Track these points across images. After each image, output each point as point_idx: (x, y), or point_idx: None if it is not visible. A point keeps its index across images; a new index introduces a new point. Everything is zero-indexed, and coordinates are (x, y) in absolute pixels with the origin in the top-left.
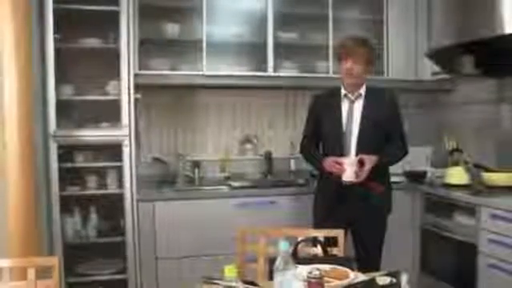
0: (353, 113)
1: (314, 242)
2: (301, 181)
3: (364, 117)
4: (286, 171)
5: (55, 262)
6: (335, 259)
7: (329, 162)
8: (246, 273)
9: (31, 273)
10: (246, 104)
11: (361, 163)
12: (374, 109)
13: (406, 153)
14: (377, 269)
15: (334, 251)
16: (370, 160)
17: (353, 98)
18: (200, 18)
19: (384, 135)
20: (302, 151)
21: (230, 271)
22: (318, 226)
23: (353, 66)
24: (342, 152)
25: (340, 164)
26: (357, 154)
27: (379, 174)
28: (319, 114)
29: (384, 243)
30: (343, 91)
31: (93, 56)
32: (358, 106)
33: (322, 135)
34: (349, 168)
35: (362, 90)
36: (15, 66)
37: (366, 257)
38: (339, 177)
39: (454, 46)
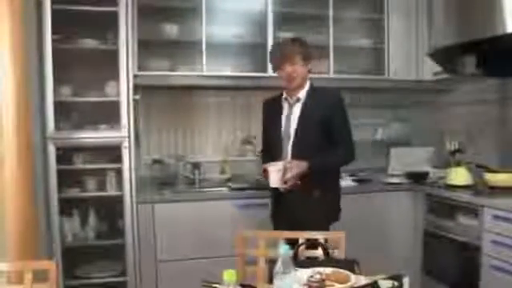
0: (291, 116)
1: (315, 244)
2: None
3: (301, 120)
4: None
5: (51, 265)
6: (337, 262)
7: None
8: (246, 276)
9: (28, 277)
10: (245, 105)
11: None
12: (313, 110)
13: (350, 158)
14: None
15: (336, 253)
16: (298, 166)
17: (291, 101)
18: (199, 18)
19: (327, 138)
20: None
21: (228, 275)
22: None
23: (292, 68)
24: (280, 157)
25: (264, 170)
26: (292, 159)
27: (321, 178)
28: (265, 119)
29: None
30: (284, 95)
31: (91, 57)
32: (297, 108)
33: (267, 140)
34: (273, 174)
35: (302, 93)
36: (13, 68)
37: None
38: None
39: (455, 46)
